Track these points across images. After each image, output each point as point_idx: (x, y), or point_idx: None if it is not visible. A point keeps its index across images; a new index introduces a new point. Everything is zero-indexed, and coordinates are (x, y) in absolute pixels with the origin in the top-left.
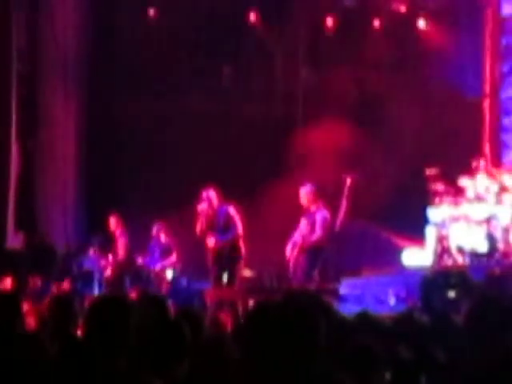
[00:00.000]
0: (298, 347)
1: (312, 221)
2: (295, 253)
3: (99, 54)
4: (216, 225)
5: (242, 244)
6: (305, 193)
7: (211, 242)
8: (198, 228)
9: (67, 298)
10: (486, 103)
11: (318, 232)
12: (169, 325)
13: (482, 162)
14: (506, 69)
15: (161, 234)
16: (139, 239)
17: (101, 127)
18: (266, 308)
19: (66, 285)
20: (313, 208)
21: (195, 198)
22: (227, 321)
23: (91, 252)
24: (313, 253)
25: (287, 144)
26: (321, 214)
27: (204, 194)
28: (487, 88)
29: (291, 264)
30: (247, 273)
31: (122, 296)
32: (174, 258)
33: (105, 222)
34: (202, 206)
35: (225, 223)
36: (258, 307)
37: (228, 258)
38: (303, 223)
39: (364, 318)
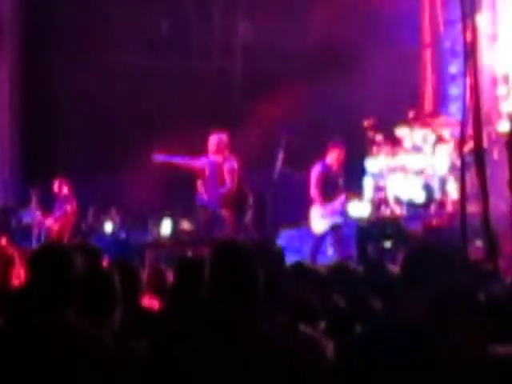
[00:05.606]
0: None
1: (219, 172)
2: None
3: (35, 8)
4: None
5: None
6: (215, 140)
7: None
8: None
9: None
10: (428, 52)
11: (228, 184)
12: (100, 275)
13: (413, 113)
14: (451, 17)
15: (63, 188)
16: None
17: (35, 82)
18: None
19: (3, 241)
20: (219, 158)
21: (133, 153)
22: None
23: (31, 206)
24: (236, 206)
25: (226, 97)
26: (227, 165)
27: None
28: (427, 37)
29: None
30: (186, 225)
31: (64, 245)
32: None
33: (42, 177)
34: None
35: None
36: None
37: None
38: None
39: (299, 269)
